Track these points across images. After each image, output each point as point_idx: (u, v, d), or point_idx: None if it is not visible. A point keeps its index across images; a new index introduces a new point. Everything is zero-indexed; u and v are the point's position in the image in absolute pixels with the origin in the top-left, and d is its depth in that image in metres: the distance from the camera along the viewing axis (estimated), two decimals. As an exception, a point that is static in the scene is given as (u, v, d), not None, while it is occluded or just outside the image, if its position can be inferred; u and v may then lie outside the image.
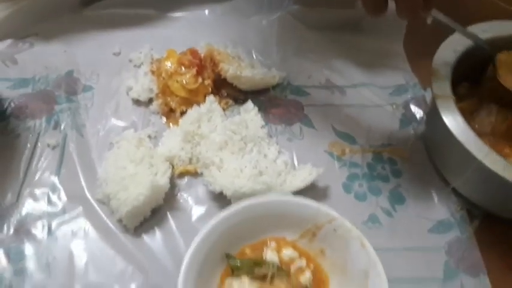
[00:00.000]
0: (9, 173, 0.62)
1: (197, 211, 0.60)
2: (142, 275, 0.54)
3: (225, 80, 0.69)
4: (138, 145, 0.61)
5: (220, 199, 0.60)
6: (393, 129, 0.70)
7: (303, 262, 0.53)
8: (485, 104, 0.65)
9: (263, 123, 0.66)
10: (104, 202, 0.59)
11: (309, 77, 0.76)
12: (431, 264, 0.57)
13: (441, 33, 0.64)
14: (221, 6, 0.85)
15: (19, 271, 0.54)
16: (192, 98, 0.67)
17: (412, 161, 0.66)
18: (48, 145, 0.65)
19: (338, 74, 0.77)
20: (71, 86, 0.72)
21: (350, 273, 0.51)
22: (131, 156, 0.59)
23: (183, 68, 0.69)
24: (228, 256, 0.52)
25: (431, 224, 0.60)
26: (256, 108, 0.67)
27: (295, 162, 0.65)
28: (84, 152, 0.65)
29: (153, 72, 0.71)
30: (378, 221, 0.60)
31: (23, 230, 0.57)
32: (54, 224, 0.58)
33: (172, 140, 0.63)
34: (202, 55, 0.70)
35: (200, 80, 0.67)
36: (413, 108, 0.72)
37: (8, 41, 0.77)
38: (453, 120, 0.55)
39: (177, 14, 0.85)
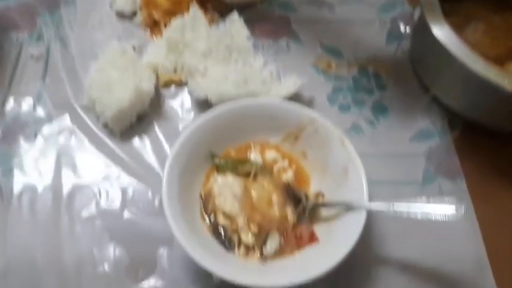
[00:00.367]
0: (-7, 83, 0.62)
1: (183, 119, 0.61)
2: (129, 175, 0.56)
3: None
4: (123, 54, 0.61)
5: (206, 107, 0.60)
6: (379, 45, 0.70)
7: (285, 163, 0.55)
8: (472, 22, 0.65)
9: (248, 34, 0.66)
10: (90, 108, 0.60)
11: (297, -8, 0.75)
12: (411, 170, 0.59)
13: None
14: None
15: (7, 172, 0.56)
16: (176, 9, 0.66)
17: (396, 75, 0.67)
18: (32, 56, 0.65)
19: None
20: (53, -1, 0.71)
21: (330, 172, 0.53)
22: (115, 64, 0.59)
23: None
24: (212, 155, 0.53)
25: (412, 132, 0.62)
26: (241, 20, 0.66)
27: (282, 75, 0.65)
28: (68, 63, 0.65)
29: (136, -16, 0.69)
30: (360, 130, 0.62)
31: (9, 135, 0.58)
32: (40, 130, 0.59)
33: (157, 50, 0.63)
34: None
35: (184, -10, 0.66)
36: (401, 24, 0.72)
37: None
38: (438, 25, 0.55)
39: None
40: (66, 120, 0.60)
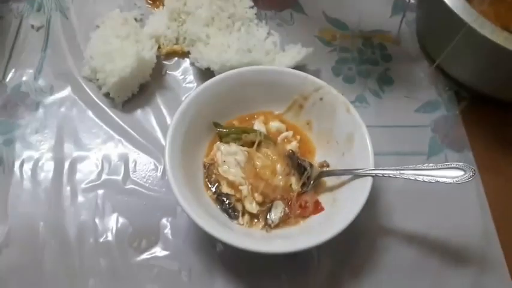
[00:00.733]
0: (-7, 53, 0.61)
1: (185, 90, 0.60)
2: (132, 146, 0.56)
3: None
4: (124, 23, 0.60)
5: (209, 77, 0.58)
6: (384, 16, 0.69)
7: (289, 133, 0.54)
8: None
9: (251, 3, 0.65)
10: (91, 79, 0.59)
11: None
12: (417, 140, 0.58)
13: None
14: None
15: (8, 143, 0.55)
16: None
17: (401, 46, 0.66)
18: (33, 26, 0.64)
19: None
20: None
21: (335, 140, 0.52)
22: (117, 33, 0.58)
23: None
24: (215, 124, 0.53)
25: (418, 104, 0.61)
26: (244, -12, 0.65)
27: (285, 46, 0.64)
28: (69, 33, 0.64)
29: (137, -46, 0.68)
30: (365, 100, 0.61)
31: (10, 106, 0.58)
32: (42, 101, 0.58)
33: (158, 20, 0.62)
34: None
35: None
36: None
37: None
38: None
39: None
40: (67, 90, 0.59)
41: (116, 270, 0.48)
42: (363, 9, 0.69)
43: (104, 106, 0.58)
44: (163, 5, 0.64)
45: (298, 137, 0.54)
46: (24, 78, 0.60)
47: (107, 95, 0.58)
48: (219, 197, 0.49)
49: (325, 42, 0.66)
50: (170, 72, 0.61)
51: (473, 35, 0.50)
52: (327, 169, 0.51)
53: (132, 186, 0.53)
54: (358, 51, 0.65)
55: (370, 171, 0.46)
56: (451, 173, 0.44)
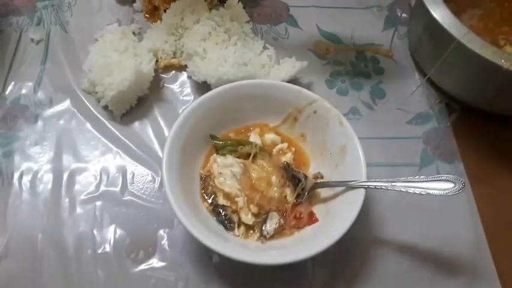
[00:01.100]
0: (-6, 66, 0.62)
1: (182, 103, 0.61)
2: (130, 158, 0.56)
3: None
4: (122, 37, 0.61)
5: (205, 90, 0.60)
6: (377, 30, 0.71)
7: (284, 145, 0.55)
8: (469, 8, 0.66)
9: (247, 18, 0.66)
10: (90, 92, 0.60)
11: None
12: (409, 152, 0.60)
13: None
14: None
15: (7, 155, 0.56)
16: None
17: (394, 59, 0.67)
18: (32, 40, 0.65)
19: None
20: (52, -16, 0.71)
21: (329, 153, 0.53)
22: (115, 46, 0.59)
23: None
24: (212, 136, 0.54)
25: (410, 116, 0.62)
26: (240, 4, 0.66)
27: (280, 59, 0.65)
28: (68, 47, 0.65)
29: (136, -31, 0.69)
30: (358, 113, 0.62)
31: (10, 118, 0.59)
32: (41, 114, 0.59)
33: (156, 34, 0.63)
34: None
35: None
36: (398, 10, 0.72)
37: None
38: (436, 7, 0.55)
39: None
40: (66, 103, 0.60)
41: (113, 281, 0.49)
42: (356, 23, 0.71)
43: (102, 119, 0.59)
44: (161, 19, 0.65)
45: (293, 149, 0.55)
46: (23, 91, 0.61)
47: (105, 107, 0.59)
48: (215, 209, 0.50)
49: (319, 55, 0.67)
50: (168, 85, 0.62)
51: (463, 49, 0.52)
52: (321, 180, 0.52)
53: (130, 197, 0.54)
54: (351, 64, 0.67)
55: (363, 183, 0.47)
56: (441, 185, 0.45)
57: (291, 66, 0.62)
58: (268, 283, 0.49)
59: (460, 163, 0.59)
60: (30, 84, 0.61)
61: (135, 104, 0.59)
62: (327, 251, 0.44)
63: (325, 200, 0.51)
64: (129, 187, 0.54)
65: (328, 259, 0.51)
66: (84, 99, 0.60)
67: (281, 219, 0.49)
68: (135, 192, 0.54)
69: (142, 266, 0.50)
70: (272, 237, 0.49)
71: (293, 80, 0.62)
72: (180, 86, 0.62)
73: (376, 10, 0.73)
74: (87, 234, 0.51)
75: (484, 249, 0.53)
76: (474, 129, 0.62)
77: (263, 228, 0.49)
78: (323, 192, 0.52)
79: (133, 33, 0.65)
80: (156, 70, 0.61)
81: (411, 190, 0.46)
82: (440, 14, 0.55)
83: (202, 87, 0.61)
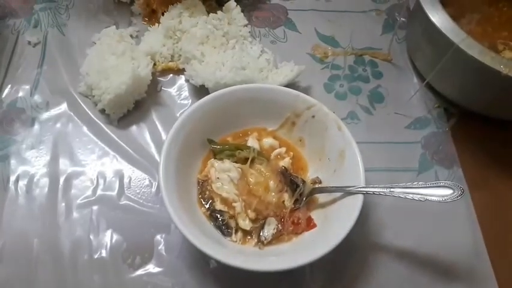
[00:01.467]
0: (-10, 69, 0.62)
1: (180, 106, 0.61)
2: (126, 162, 0.56)
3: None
4: (120, 40, 0.61)
5: (203, 94, 0.60)
6: (375, 34, 0.70)
7: (282, 150, 0.55)
8: (467, 13, 0.66)
9: (246, 22, 0.66)
10: (87, 95, 0.60)
11: (294, -18, 0.75)
12: (408, 157, 0.59)
13: None
14: None
15: (3, 158, 0.55)
16: (173, -3, 0.66)
17: (392, 64, 0.67)
18: (29, 43, 0.65)
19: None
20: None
21: (327, 158, 0.53)
22: (113, 50, 0.59)
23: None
24: (210, 141, 0.53)
25: (408, 120, 0.62)
26: (238, 8, 0.66)
27: (279, 63, 0.65)
28: (65, 50, 0.64)
29: (134, -28, 0.69)
30: (356, 117, 0.62)
31: (6, 121, 0.58)
32: (37, 117, 0.59)
33: (154, 38, 0.63)
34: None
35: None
36: (396, 14, 0.72)
37: None
38: (435, 12, 0.55)
39: None
40: (63, 106, 0.59)
41: (109, 287, 0.49)
42: (355, 27, 0.71)
43: (99, 122, 0.58)
44: (159, 22, 0.65)
45: (291, 154, 0.55)
46: (20, 94, 0.60)
47: (102, 111, 0.58)
48: (212, 214, 0.49)
49: (318, 59, 0.67)
50: (165, 89, 0.62)
51: (461, 55, 0.52)
52: (319, 186, 0.52)
53: (127, 202, 0.54)
54: (350, 68, 0.67)
55: (361, 189, 0.47)
56: (440, 192, 0.45)
57: (289, 70, 0.61)
58: (266, 288, 0.49)
59: (459, 168, 0.58)
60: (27, 87, 0.61)
61: (133, 108, 0.59)
62: (325, 256, 0.44)
63: (323, 206, 0.51)
64: (126, 192, 0.54)
65: (326, 264, 0.50)
66: (81, 103, 0.60)
67: (279, 225, 0.49)
68: (132, 196, 0.54)
69: (139, 272, 0.50)
70: (270, 242, 0.49)
71: (291, 84, 0.62)
72: (177, 90, 0.62)
73: (375, 14, 0.72)
74: (84, 239, 0.51)
75: (482, 255, 0.53)
76: (473, 134, 0.61)
77: (261, 233, 0.49)
78: (321, 198, 0.51)
79: (131, 36, 0.65)
80: (153, 73, 0.61)
81: (410, 196, 0.45)
82: (438, 18, 0.55)
83: (200, 91, 0.60)
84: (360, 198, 0.47)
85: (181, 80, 0.63)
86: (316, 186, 0.52)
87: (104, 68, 0.57)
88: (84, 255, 0.50)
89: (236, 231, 0.49)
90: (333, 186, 0.50)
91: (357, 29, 0.70)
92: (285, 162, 0.53)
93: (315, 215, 0.50)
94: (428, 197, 0.45)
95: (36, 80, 0.61)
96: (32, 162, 0.55)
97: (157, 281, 0.49)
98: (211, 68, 0.58)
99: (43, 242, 0.50)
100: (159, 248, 0.51)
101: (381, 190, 0.47)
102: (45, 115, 0.59)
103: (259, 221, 0.49)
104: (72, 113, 0.59)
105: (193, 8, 0.64)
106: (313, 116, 0.54)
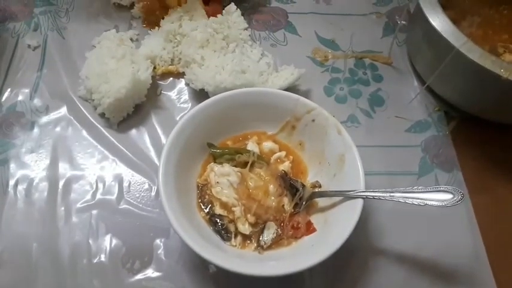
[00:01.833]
0: (-10, 72, 0.62)
1: (180, 110, 0.61)
2: (126, 166, 0.56)
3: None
4: (120, 44, 0.61)
5: (203, 98, 0.59)
6: (376, 37, 0.70)
7: (282, 154, 0.55)
8: (468, 16, 0.66)
9: (246, 25, 0.66)
10: (87, 99, 0.60)
11: (295, -15, 0.75)
12: (408, 160, 0.59)
13: None
14: None
15: (3, 162, 0.55)
16: (174, 1, 0.66)
17: (392, 67, 0.67)
18: (29, 46, 0.65)
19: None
20: (50, -11, 0.71)
21: (327, 162, 0.53)
22: (113, 53, 0.59)
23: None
24: (209, 145, 0.53)
25: (409, 124, 0.62)
26: (239, 11, 0.66)
27: (278, 67, 0.65)
28: (65, 53, 0.64)
29: (134, -25, 0.69)
30: (356, 121, 0.62)
31: (5, 125, 0.58)
32: (37, 121, 0.59)
33: (154, 41, 0.63)
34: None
35: (182, -19, 0.66)
36: (397, 17, 0.72)
37: None
38: (435, 15, 0.55)
39: None
40: (63, 110, 0.60)
41: (109, 292, 0.49)
42: (355, 30, 0.71)
43: (99, 126, 0.58)
44: (159, 26, 0.65)
45: (291, 158, 0.55)
46: (19, 98, 0.60)
47: (102, 115, 0.58)
48: (212, 218, 0.49)
49: (318, 62, 0.67)
50: (165, 93, 0.62)
51: (462, 58, 0.52)
52: (319, 190, 0.52)
53: (126, 206, 0.54)
54: (350, 72, 0.66)
55: (361, 193, 0.47)
56: (440, 196, 0.45)
57: (290, 73, 0.61)
58: (266, 293, 0.49)
59: (459, 172, 0.58)
60: (27, 91, 0.61)
61: (132, 112, 0.59)
62: (325, 261, 0.44)
63: (323, 210, 0.51)
64: (125, 196, 0.54)
65: (326, 268, 0.50)
66: (81, 106, 0.60)
67: (278, 229, 0.49)
68: (132, 201, 0.54)
69: (138, 276, 0.50)
70: (269, 247, 0.48)
71: (291, 88, 0.62)
72: (177, 93, 0.62)
73: (375, 17, 0.72)
74: (83, 244, 0.51)
75: (482, 259, 0.53)
76: (473, 137, 0.61)
77: (260, 238, 0.48)
78: (321, 202, 0.51)
79: (131, 39, 0.65)
80: (153, 77, 0.61)
81: (409, 201, 0.45)
82: (439, 22, 0.55)
83: (200, 94, 0.60)
84: (359, 203, 0.47)
85: (181, 83, 0.63)
86: (316, 190, 0.52)
87: (104, 72, 0.57)
88: (83, 259, 0.50)
89: (236, 236, 0.49)
90: (332, 191, 0.50)
91: (357, 32, 0.70)
92: (285, 166, 0.53)
93: (315, 219, 0.50)
94: (428, 202, 0.45)
95: (36, 84, 0.61)
96: (32, 166, 0.55)
97: (157, 285, 0.49)
98: (211, 71, 0.58)
99: (42, 246, 0.50)
100: (159, 252, 0.51)
101: (381, 195, 0.47)
102: (45, 119, 0.59)
103: (259, 226, 0.49)
104: (71, 117, 0.59)
105: (194, 12, 0.64)
106: (313, 120, 0.54)
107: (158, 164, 0.49)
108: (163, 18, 0.66)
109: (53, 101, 0.60)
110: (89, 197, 0.53)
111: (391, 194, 0.47)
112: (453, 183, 0.57)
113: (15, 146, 0.57)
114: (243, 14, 0.68)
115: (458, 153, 0.60)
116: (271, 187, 0.51)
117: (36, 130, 0.58)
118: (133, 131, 0.58)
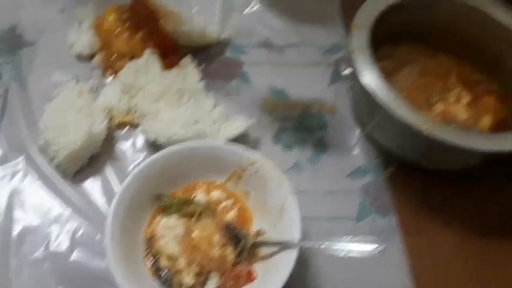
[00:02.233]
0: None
1: (134, 159, 0.64)
2: (79, 217, 0.59)
3: (165, 35, 0.71)
4: (79, 96, 0.64)
5: (157, 148, 0.63)
6: (324, 85, 0.75)
7: (229, 202, 0.58)
8: (407, 66, 0.71)
9: (200, 76, 0.70)
10: (45, 150, 0.62)
11: (249, 36, 0.80)
12: (347, 205, 0.63)
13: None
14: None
15: (-44, 211, 0.57)
16: (132, 53, 0.70)
17: (337, 114, 0.72)
18: (-10, 96, 0.67)
19: (277, 33, 0.81)
20: (14, 40, 0.74)
21: (270, 211, 0.57)
22: (71, 105, 0.62)
23: (127, 23, 0.71)
24: (158, 196, 0.57)
25: (350, 169, 0.66)
26: (194, 63, 0.70)
27: (231, 116, 0.69)
28: (26, 104, 0.67)
29: (95, 27, 0.73)
30: (301, 168, 0.66)
31: (-38, 175, 0.60)
32: (-6, 170, 0.61)
33: (112, 92, 0.66)
34: (144, 9, 0.72)
35: (140, 35, 0.70)
36: (344, 66, 0.77)
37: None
38: (366, 72, 0.60)
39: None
40: (20, 161, 0.62)
41: None
42: (305, 79, 0.75)
43: (55, 177, 0.61)
44: (117, 76, 0.69)
45: (238, 206, 0.58)
46: (-22, 148, 0.62)
47: (58, 166, 0.61)
48: (157, 271, 0.52)
49: (269, 111, 0.71)
50: (121, 142, 0.65)
51: (390, 114, 0.57)
52: (262, 238, 0.56)
53: (77, 258, 0.55)
54: (298, 120, 0.71)
55: (296, 243, 0.51)
56: (365, 247, 0.49)
57: (240, 123, 0.65)
58: None
59: (394, 216, 0.62)
60: (-15, 140, 0.63)
61: (88, 162, 0.62)
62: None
63: (264, 258, 0.54)
64: (77, 247, 0.56)
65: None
66: (39, 157, 0.62)
67: (221, 279, 0.52)
68: (83, 252, 0.56)
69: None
70: (213, 297, 0.52)
71: (242, 136, 0.66)
72: (132, 143, 0.65)
73: (324, 66, 0.77)
74: (35, 296, 0.53)
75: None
76: (410, 182, 0.66)
77: (204, 288, 0.52)
78: (263, 250, 0.55)
79: (91, 90, 0.68)
80: (109, 127, 0.64)
81: (337, 252, 0.50)
82: (370, 79, 0.59)
83: (154, 144, 0.64)
84: (294, 252, 0.50)
85: (137, 133, 0.66)
86: (259, 239, 0.55)
87: (61, 124, 0.60)
88: (35, 311, 0.52)
89: (180, 287, 0.52)
90: (271, 241, 0.54)
91: (307, 81, 0.75)
92: (231, 215, 0.57)
93: (257, 267, 0.54)
94: (354, 252, 0.49)
95: (-5, 134, 0.64)
96: (-13, 214, 0.57)
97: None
98: (164, 124, 0.62)
99: (-6, 298, 0.52)
100: (109, 302, 0.53)
101: (314, 244, 0.51)
102: (2, 170, 0.61)
103: (203, 276, 0.52)
104: (29, 168, 0.61)
105: (151, 64, 0.67)
106: (257, 172, 0.58)
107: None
108: (121, 70, 0.69)
109: (11, 152, 0.62)
110: (42, 248, 0.55)
111: (323, 244, 0.51)
112: (388, 227, 0.61)
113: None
114: (199, 65, 0.72)
115: (395, 198, 0.64)
116: (215, 237, 0.54)
117: (-8, 179, 0.60)
118: (88, 182, 0.61)
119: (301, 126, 0.70)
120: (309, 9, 0.84)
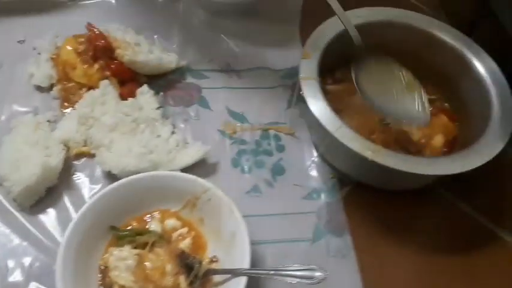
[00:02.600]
0: None
1: (91, 190, 0.65)
2: (36, 250, 0.59)
3: (122, 65, 0.72)
4: (36, 129, 0.65)
5: (114, 178, 0.64)
6: (281, 109, 0.77)
7: (184, 230, 0.60)
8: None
9: (157, 105, 0.71)
10: (1, 184, 0.63)
11: (209, 61, 0.81)
12: (303, 227, 0.65)
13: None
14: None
15: None
16: (90, 84, 0.71)
17: (294, 137, 0.73)
18: None
19: (237, 58, 0.82)
20: (-28, 72, 0.75)
21: (223, 237, 0.58)
22: (27, 139, 0.63)
23: (84, 54, 0.72)
24: (111, 228, 0.58)
25: (305, 191, 0.68)
26: (151, 91, 0.72)
27: (189, 141, 0.70)
28: (-17, 137, 0.68)
29: (53, 59, 0.74)
30: (259, 190, 0.67)
31: None
32: (-50, 205, 0.61)
33: (69, 123, 0.67)
34: (100, 41, 0.73)
35: (97, 66, 0.71)
36: (300, 89, 0.79)
37: None
38: (313, 98, 0.62)
39: (84, 1, 0.87)
40: (-24, 195, 0.63)
41: None
42: (263, 103, 0.77)
43: (12, 210, 0.61)
44: (74, 104, 0.70)
45: (193, 233, 0.60)
46: None
47: (14, 200, 0.62)
48: (110, 302, 0.53)
49: (227, 135, 0.73)
50: (78, 173, 0.66)
51: (337, 141, 0.58)
52: (215, 265, 0.57)
53: (35, 290, 0.56)
54: (256, 143, 0.72)
55: (245, 271, 0.52)
56: (311, 274, 0.51)
57: (196, 150, 0.67)
58: None
59: (348, 236, 0.64)
60: None
61: (45, 194, 0.63)
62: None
63: (218, 285, 0.55)
64: (32, 280, 0.57)
65: None
66: (-5, 190, 0.63)
67: (173, 309, 0.53)
68: (39, 285, 0.56)
69: None
70: (165, 327, 0.53)
71: (200, 161, 0.67)
72: (89, 173, 0.66)
73: (282, 90, 0.79)
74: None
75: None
76: (364, 203, 0.68)
77: (156, 318, 0.53)
78: (216, 277, 0.56)
79: (49, 121, 0.69)
80: (67, 158, 0.65)
81: (284, 279, 0.51)
82: (317, 107, 0.61)
83: (110, 175, 0.65)
84: (243, 280, 0.52)
85: (94, 163, 0.67)
86: (212, 266, 0.57)
87: (16, 159, 0.61)
88: None
89: (133, 318, 0.53)
90: (223, 269, 0.55)
91: (265, 104, 0.77)
92: (185, 243, 0.58)
93: (210, 294, 0.55)
94: (299, 279, 0.51)
95: (-48, 169, 0.64)
96: None
97: None
98: (118, 155, 0.63)
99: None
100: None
101: (262, 273, 0.52)
102: (-42, 203, 0.62)
103: (155, 306, 0.53)
104: (-15, 201, 0.62)
105: (106, 96, 0.68)
106: (209, 199, 0.59)
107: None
108: (79, 100, 0.70)
109: (-34, 186, 0.63)
110: (-3, 282, 0.56)
111: (271, 273, 0.52)
112: (343, 247, 0.63)
113: None
114: (158, 92, 0.73)
115: (350, 217, 0.66)
116: (168, 266, 0.55)
117: None
118: (45, 214, 0.62)
119: (259, 149, 0.72)
120: (268, 32, 0.86)
